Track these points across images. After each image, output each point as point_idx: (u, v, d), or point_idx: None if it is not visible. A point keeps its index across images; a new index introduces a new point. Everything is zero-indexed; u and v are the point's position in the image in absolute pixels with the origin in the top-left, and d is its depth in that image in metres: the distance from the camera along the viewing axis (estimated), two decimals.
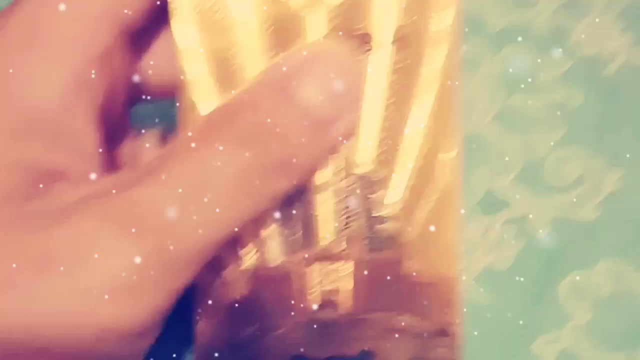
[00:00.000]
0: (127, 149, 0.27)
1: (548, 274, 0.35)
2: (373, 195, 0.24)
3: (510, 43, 0.42)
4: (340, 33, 0.24)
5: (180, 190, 0.22)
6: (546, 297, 0.35)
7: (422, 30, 0.24)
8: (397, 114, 0.24)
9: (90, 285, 0.21)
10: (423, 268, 0.25)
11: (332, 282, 0.24)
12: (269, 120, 0.22)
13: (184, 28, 0.24)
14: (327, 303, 0.24)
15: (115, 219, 0.21)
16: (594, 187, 0.38)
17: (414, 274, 0.25)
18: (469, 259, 0.36)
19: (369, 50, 0.24)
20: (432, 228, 0.24)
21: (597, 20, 0.44)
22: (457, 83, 0.24)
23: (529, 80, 0.41)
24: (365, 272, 0.24)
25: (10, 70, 0.23)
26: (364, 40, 0.24)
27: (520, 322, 0.34)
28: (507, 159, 0.39)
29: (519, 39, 0.42)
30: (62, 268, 0.21)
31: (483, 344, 0.34)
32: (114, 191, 0.22)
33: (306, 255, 0.24)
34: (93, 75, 0.23)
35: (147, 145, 0.28)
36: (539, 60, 0.42)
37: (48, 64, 0.23)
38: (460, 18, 0.24)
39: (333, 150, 0.24)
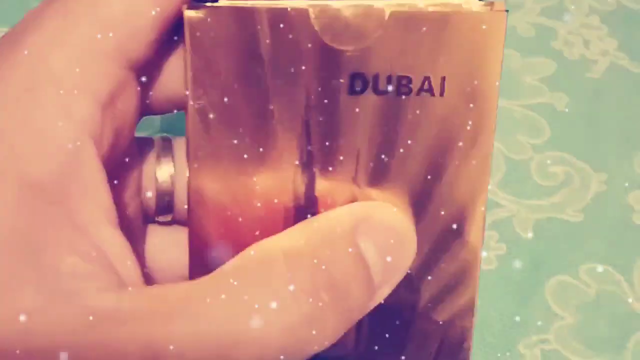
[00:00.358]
0: (129, 159, 0.26)
1: (533, 275, 0.35)
2: None
3: None
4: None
5: (203, 341, 0.20)
6: (532, 298, 0.35)
7: (465, 80, 0.22)
8: (426, 160, 0.23)
9: None
10: (436, 315, 0.24)
11: None
12: (330, 270, 0.22)
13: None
14: None
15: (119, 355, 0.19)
16: (579, 189, 0.38)
17: (426, 317, 0.24)
18: None
19: (408, 94, 0.23)
20: (451, 281, 0.24)
21: (581, 23, 0.44)
22: (493, 140, 0.23)
23: (515, 82, 0.42)
24: (371, 316, 0.23)
25: (13, 122, 0.21)
26: (403, 84, 0.23)
27: (506, 323, 0.34)
28: (492, 161, 0.39)
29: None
30: None
31: None
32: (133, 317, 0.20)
33: None
34: (101, 121, 0.22)
35: (148, 154, 0.26)
36: (524, 63, 0.43)
37: (54, 114, 0.21)
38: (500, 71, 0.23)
39: (367, 310, 0.23)
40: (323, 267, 0.22)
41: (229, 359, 0.20)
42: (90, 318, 0.19)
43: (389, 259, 0.23)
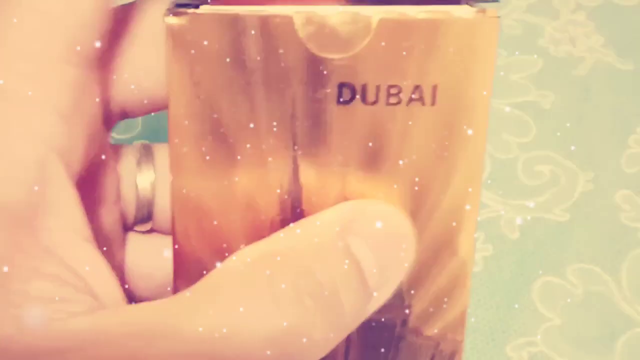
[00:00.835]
0: (108, 166, 0.25)
1: (520, 276, 0.35)
2: None
3: None
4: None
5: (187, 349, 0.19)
6: (519, 299, 0.35)
7: (457, 88, 0.22)
8: (416, 168, 0.22)
9: None
10: (427, 329, 0.24)
11: None
12: (316, 274, 0.20)
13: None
14: None
15: None
16: (566, 188, 0.38)
17: (416, 331, 0.23)
18: None
19: (397, 103, 0.22)
20: (444, 299, 0.23)
21: (568, 20, 0.44)
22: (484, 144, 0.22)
23: (501, 80, 0.41)
24: (361, 331, 0.23)
25: None
26: (392, 93, 0.22)
27: (493, 325, 0.34)
28: None
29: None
30: None
31: None
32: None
33: None
34: (66, 132, 0.21)
35: (128, 161, 0.25)
36: (510, 61, 0.42)
37: (13, 133, 0.20)
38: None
39: (364, 316, 0.22)
40: (308, 270, 0.20)
41: None
42: (64, 343, 0.19)
43: (385, 258, 0.22)
